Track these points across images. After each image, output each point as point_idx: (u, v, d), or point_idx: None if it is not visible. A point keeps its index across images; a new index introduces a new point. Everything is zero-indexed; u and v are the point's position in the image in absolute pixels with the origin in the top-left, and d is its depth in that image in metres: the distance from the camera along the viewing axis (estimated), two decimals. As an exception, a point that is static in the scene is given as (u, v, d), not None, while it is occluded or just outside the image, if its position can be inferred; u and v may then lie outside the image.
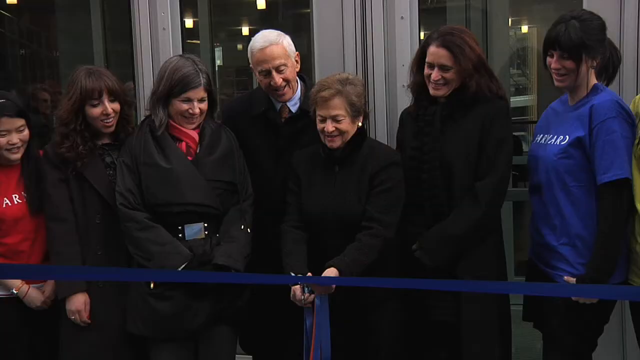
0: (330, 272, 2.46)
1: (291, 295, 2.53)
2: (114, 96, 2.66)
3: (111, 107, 2.66)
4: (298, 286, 2.50)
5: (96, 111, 2.64)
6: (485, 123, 2.61)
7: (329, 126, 2.54)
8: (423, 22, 3.53)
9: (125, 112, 2.75)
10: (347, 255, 2.52)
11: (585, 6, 2.98)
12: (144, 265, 2.57)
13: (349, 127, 2.57)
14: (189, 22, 5.02)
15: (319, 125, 2.58)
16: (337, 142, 2.57)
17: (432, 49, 2.65)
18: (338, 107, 2.54)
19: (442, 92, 2.66)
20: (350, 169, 2.64)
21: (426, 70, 2.68)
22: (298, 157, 2.76)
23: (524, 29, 5.30)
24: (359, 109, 2.59)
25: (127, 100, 2.76)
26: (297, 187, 2.71)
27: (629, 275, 2.58)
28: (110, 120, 2.68)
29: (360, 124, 2.63)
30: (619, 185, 2.45)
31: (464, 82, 2.63)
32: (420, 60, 2.73)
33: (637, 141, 2.50)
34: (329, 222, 2.63)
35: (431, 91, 2.66)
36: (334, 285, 2.46)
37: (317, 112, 2.58)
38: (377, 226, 2.55)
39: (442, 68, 2.63)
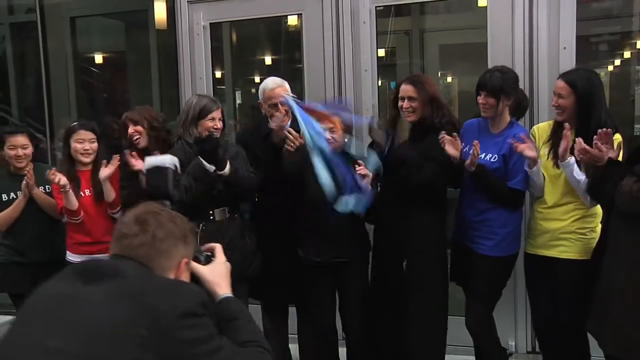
0: None
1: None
2: (134, 122, 3.34)
3: (134, 129, 3.33)
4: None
5: (129, 131, 3.38)
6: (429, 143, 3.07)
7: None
8: (380, 73, 4.19)
9: (153, 133, 3.34)
10: None
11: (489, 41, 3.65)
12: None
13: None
14: (218, 74, 5.31)
15: None
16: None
17: (403, 87, 3.16)
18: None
19: (411, 118, 3.13)
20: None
21: (399, 103, 3.16)
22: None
23: (449, 79, 6.01)
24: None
25: (152, 125, 3.34)
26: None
27: (525, 247, 3.17)
28: (137, 139, 3.34)
29: None
30: (516, 192, 3.06)
31: (425, 112, 3.07)
32: (394, 100, 3.22)
33: (545, 159, 2.98)
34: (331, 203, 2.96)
35: (404, 117, 3.16)
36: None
37: None
38: None
39: (410, 99, 3.10)
